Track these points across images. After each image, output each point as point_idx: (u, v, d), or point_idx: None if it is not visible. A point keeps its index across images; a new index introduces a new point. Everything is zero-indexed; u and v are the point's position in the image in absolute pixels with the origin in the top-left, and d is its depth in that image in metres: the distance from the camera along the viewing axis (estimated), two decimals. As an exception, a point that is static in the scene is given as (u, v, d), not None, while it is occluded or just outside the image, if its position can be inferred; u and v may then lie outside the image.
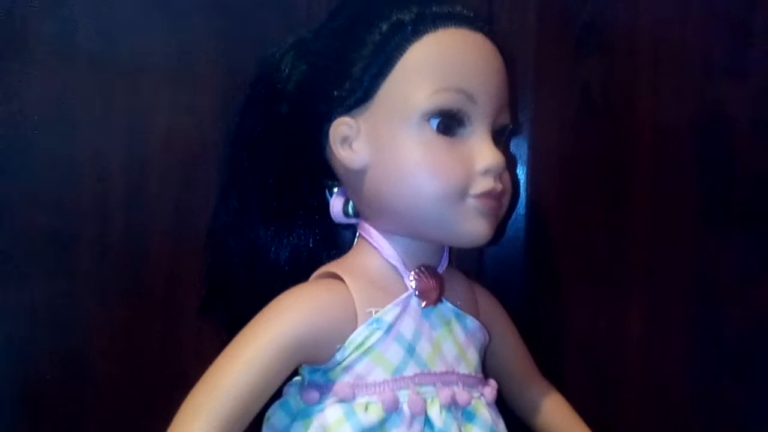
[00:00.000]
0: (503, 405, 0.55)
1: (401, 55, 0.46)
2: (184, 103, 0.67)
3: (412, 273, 0.49)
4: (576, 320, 0.66)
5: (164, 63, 0.67)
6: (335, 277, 0.48)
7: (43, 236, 0.67)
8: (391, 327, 0.47)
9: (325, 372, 0.47)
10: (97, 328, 0.67)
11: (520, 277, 0.66)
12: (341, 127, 0.47)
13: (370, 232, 0.50)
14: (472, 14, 0.48)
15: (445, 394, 0.47)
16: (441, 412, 0.46)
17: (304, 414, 0.47)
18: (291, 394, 0.49)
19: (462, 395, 0.48)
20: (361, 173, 0.48)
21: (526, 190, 0.66)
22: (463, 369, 0.50)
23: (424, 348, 0.48)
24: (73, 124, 0.66)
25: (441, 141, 0.46)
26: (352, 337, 0.46)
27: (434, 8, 0.47)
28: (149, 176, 0.67)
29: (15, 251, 0.66)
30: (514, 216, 0.65)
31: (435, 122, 0.46)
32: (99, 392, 0.68)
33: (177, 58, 0.67)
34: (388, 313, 0.47)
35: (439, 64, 0.46)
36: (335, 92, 0.47)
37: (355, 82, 0.46)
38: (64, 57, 0.66)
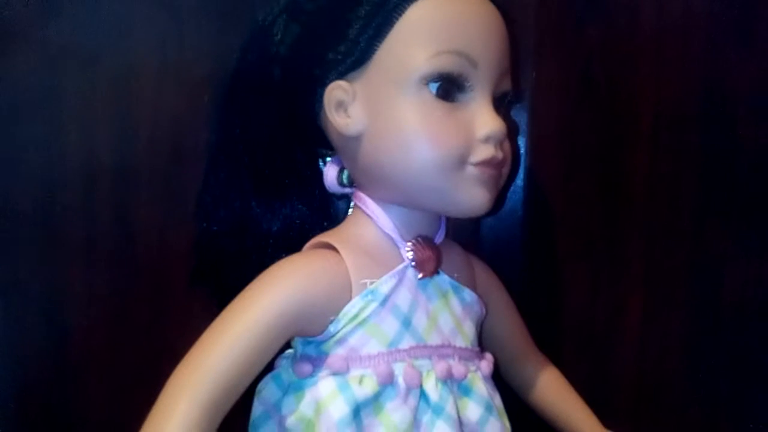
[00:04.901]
0: (499, 379, 0.54)
1: (400, 15, 0.44)
2: (173, 69, 0.65)
3: (409, 243, 0.47)
4: (573, 295, 0.66)
5: (151, 29, 0.65)
6: (329, 247, 0.47)
7: (30, 207, 0.65)
8: (386, 299, 0.45)
9: (318, 344, 0.46)
10: (84, 301, 0.66)
11: (518, 250, 0.65)
12: (336, 91, 0.46)
13: (365, 201, 0.48)
14: None
15: (441, 367, 0.46)
16: (437, 385, 0.46)
17: (297, 387, 0.46)
18: (283, 367, 0.48)
19: (458, 368, 0.47)
20: (356, 140, 0.46)
21: (525, 161, 0.65)
22: (459, 342, 0.49)
23: (420, 320, 0.47)
24: (60, 94, 0.65)
25: (440, 106, 0.44)
26: (346, 308, 0.45)
27: None
28: (137, 145, 0.66)
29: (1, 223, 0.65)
30: (512, 188, 0.64)
31: (434, 87, 0.44)
32: (86, 366, 0.67)
33: (165, 25, 0.65)
34: (384, 284, 0.46)
35: (439, 25, 0.44)
36: (330, 55, 0.45)
37: (350, 43, 0.45)
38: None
